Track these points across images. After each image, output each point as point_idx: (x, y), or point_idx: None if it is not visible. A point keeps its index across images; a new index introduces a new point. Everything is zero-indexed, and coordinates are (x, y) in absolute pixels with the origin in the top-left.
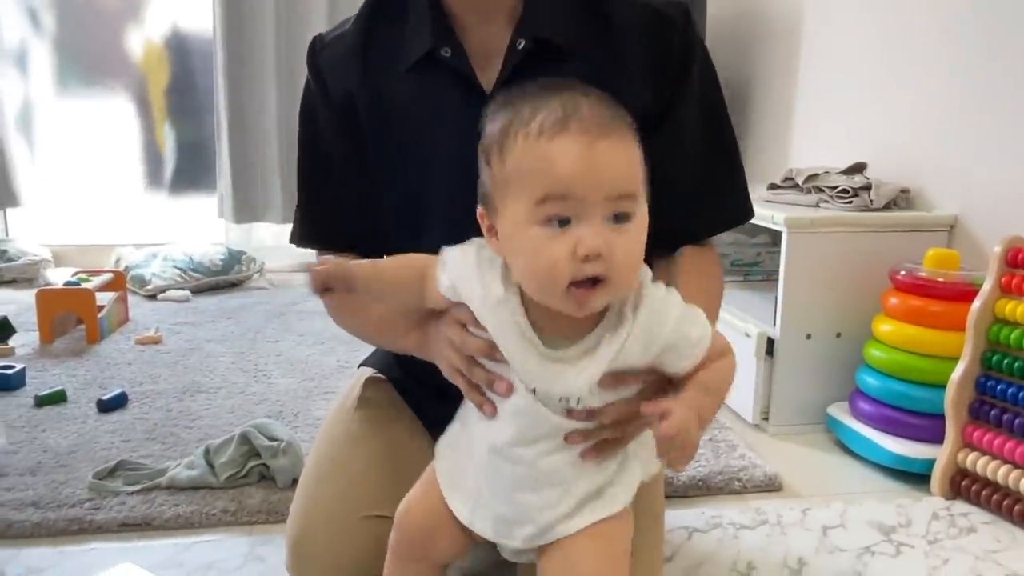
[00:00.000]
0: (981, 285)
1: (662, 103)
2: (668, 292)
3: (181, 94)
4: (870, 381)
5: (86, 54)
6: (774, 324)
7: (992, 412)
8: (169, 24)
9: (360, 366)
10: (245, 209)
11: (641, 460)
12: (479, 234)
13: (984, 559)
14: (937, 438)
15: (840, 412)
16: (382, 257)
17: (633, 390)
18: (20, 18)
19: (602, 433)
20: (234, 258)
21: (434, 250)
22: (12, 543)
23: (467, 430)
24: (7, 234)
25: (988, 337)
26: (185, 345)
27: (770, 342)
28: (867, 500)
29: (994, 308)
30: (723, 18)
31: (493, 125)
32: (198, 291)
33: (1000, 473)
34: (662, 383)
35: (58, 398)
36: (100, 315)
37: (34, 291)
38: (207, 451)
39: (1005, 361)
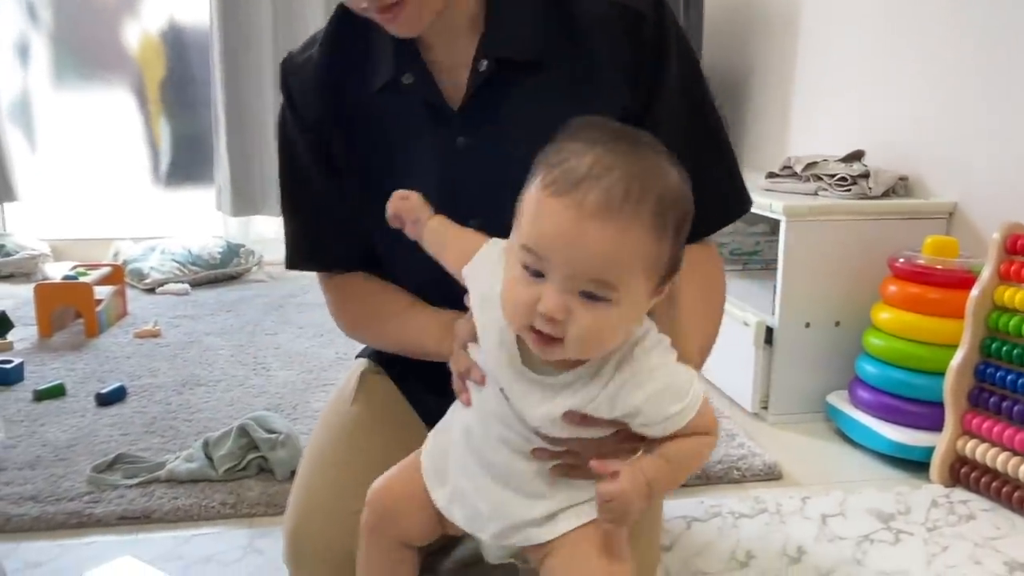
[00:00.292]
0: (980, 272)
1: (641, 100)
2: (660, 360)
3: (178, 87)
4: (869, 369)
5: (83, 47)
6: (773, 313)
7: (991, 399)
8: (165, 17)
9: (357, 357)
10: (243, 202)
11: None
12: None
13: (983, 546)
14: (936, 426)
15: (839, 400)
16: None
17: (606, 431)
18: (17, 11)
19: (567, 457)
20: (232, 251)
21: (415, 274)
22: (11, 537)
23: (452, 416)
24: (5, 229)
25: (987, 324)
26: (184, 338)
27: (769, 331)
28: (866, 488)
29: (993, 295)
30: (721, 7)
31: (551, 148)
32: (197, 284)
33: (999, 460)
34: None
35: (57, 392)
36: (98, 309)
37: (32, 285)
38: (206, 444)
39: (1004, 348)
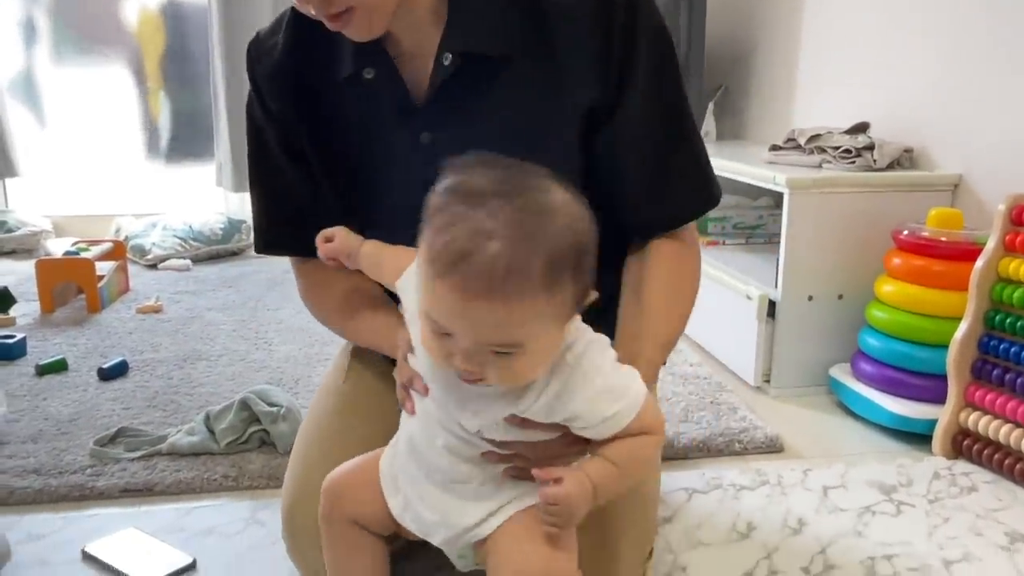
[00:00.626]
0: (985, 244)
1: (611, 90)
2: (593, 364)
3: (177, 62)
4: (872, 342)
5: (82, 23)
6: (776, 286)
7: (994, 371)
8: None
9: None
10: (244, 178)
11: None
12: None
13: (985, 517)
14: (939, 398)
15: (842, 374)
16: None
17: (550, 433)
18: None
19: (517, 460)
20: (234, 227)
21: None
22: (14, 509)
23: (401, 425)
24: (7, 205)
25: (991, 296)
26: (186, 314)
27: (772, 304)
28: (868, 461)
29: (997, 267)
30: None
31: (433, 197)
32: (198, 260)
33: (1002, 432)
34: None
35: (59, 367)
36: (100, 284)
37: (34, 261)
38: (207, 417)
39: (1008, 320)
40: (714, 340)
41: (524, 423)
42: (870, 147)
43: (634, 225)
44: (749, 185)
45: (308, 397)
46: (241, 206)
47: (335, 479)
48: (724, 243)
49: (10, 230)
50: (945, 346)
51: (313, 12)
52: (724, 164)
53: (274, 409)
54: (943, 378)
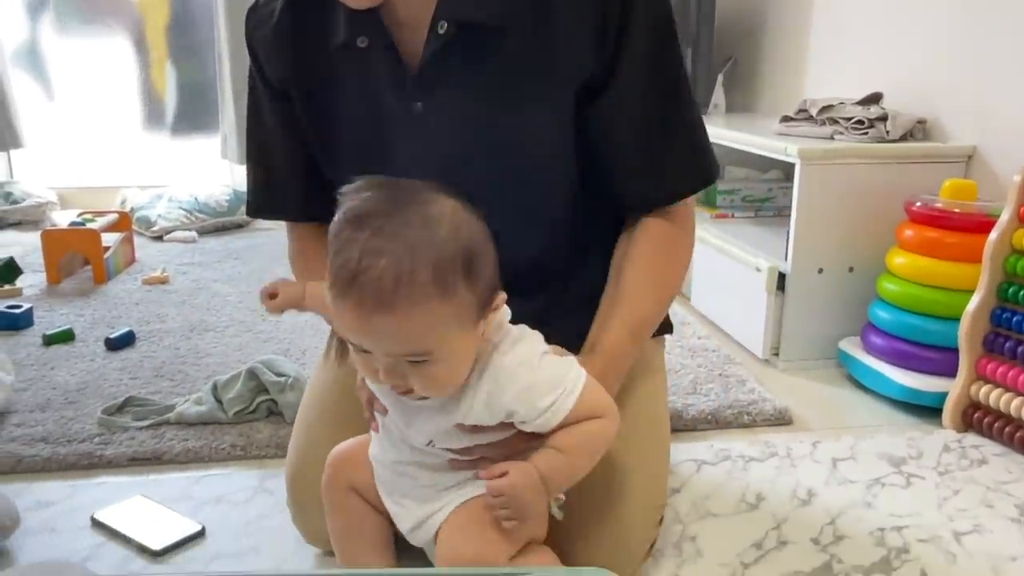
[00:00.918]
0: (999, 216)
1: (606, 63)
2: (517, 360)
3: (181, 32)
4: (883, 315)
5: None
6: (785, 258)
7: (1007, 344)
8: None
9: None
10: None
11: None
12: None
13: (995, 490)
14: (949, 372)
15: (852, 347)
16: None
17: (502, 433)
18: None
19: (482, 463)
20: (240, 199)
21: None
22: (23, 477)
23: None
24: (12, 176)
25: (1005, 269)
26: (192, 285)
27: (781, 277)
28: (877, 433)
29: (1012, 239)
30: None
31: (332, 224)
32: (204, 232)
33: (1013, 405)
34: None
35: (66, 337)
36: (106, 256)
37: (40, 232)
38: (215, 387)
39: (1021, 293)
40: (722, 313)
41: (474, 428)
42: (883, 118)
43: (626, 201)
44: (759, 157)
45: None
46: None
47: (338, 451)
48: (733, 216)
49: (15, 201)
50: (956, 319)
51: None
52: (734, 136)
53: (282, 379)
54: (954, 351)
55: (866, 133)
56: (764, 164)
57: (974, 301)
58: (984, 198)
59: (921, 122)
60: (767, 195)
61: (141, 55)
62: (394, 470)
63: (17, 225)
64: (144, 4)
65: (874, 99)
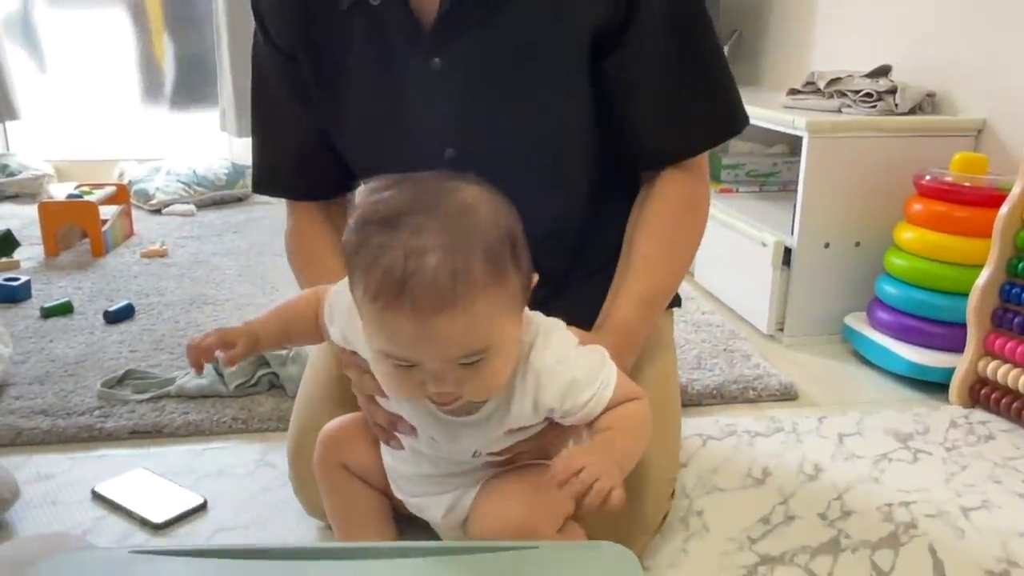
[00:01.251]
0: (1009, 190)
1: (621, 12)
2: (555, 356)
3: (179, 3)
4: (890, 290)
5: None
6: (791, 233)
7: (1015, 320)
8: None
9: None
10: (248, 122)
11: None
12: None
13: (1003, 466)
14: (956, 347)
15: (858, 322)
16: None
17: (538, 427)
18: None
19: (517, 459)
20: (238, 172)
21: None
22: (23, 449)
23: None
24: (8, 148)
25: (1015, 243)
26: (191, 258)
27: (787, 251)
28: (884, 409)
29: (1022, 213)
30: None
31: (349, 235)
32: (202, 206)
33: (1021, 381)
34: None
35: (64, 309)
36: (104, 228)
37: (37, 205)
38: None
39: None
40: (727, 288)
41: (519, 430)
42: (892, 91)
43: (644, 155)
44: (764, 131)
45: None
46: (245, 151)
47: (328, 429)
48: (737, 190)
49: (12, 174)
50: (964, 294)
51: None
52: None
53: (283, 352)
54: (961, 326)
55: (875, 106)
56: (769, 138)
57: (983, 276)
58: (994, 172)
59: (931, 95)
60: (772, 169)
61: (139, 26)
62: (422, 481)
63: (14, 198)
64: None
65: (883, 72)
